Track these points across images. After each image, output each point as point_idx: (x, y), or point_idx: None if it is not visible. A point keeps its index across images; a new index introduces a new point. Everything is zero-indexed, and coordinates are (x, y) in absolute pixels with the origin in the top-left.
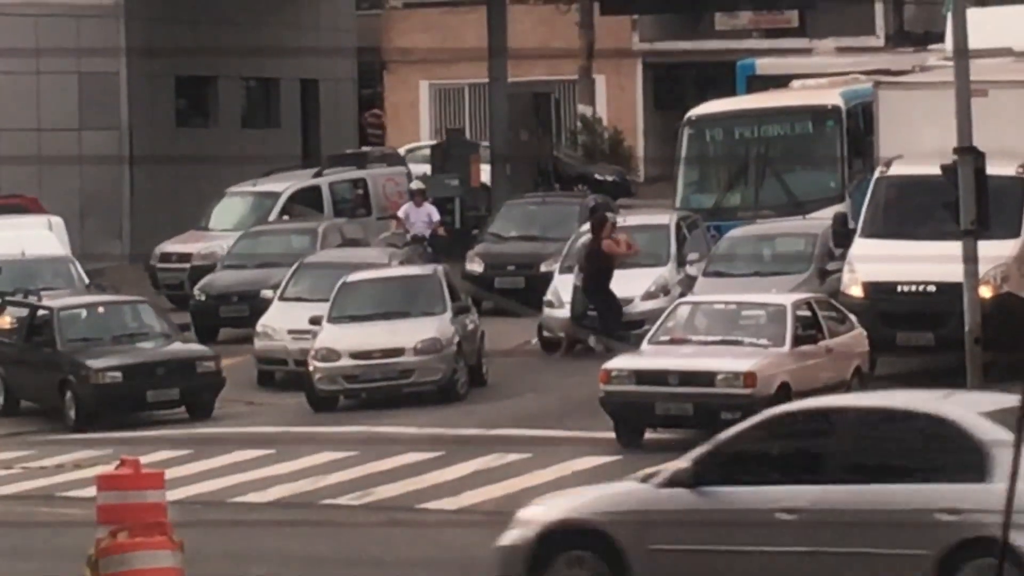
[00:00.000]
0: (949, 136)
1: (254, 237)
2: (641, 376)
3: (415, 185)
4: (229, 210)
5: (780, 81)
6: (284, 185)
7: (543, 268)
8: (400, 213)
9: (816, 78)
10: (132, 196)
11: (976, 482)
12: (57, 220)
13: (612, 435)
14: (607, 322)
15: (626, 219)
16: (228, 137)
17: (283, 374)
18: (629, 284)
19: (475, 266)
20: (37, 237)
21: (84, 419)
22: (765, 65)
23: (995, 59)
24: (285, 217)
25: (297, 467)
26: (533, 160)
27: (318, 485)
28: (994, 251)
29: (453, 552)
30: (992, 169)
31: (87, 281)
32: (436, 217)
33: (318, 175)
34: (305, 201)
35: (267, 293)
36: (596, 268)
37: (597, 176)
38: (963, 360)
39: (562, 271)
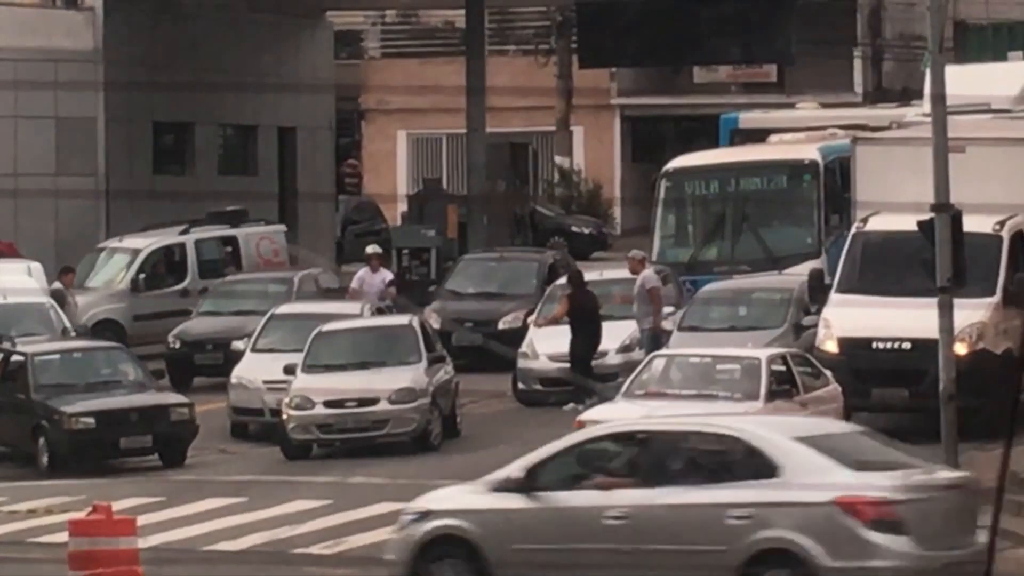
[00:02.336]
0: (926, 192)
1: (230, 285)
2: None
3: (371, 249)
4: (96, 265)
5: (763, 135)
6: (147, 242)
7: (501, 325)
8: (354, 282)
9: (794, 132)
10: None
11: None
12: (36, 265)
13: None
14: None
15: (602, 273)
16: (205, 184)
17: (257, 425)
18: (604, 337)
19: (432, 323)
20: (17, 282)
21: (57, 465)
22: (748, 119)
23: (973, 116)
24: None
25: (270, 515)
26: (510, 211)
27: (291, 534)
28: (970, 308)
29: None
30: (969, 226)
31: (68, 326)
32: (390, 278)
33: (185, 232)
34: (169, 259)
35: (238, 345)
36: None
37: (574, 228)
38: (938, 417)
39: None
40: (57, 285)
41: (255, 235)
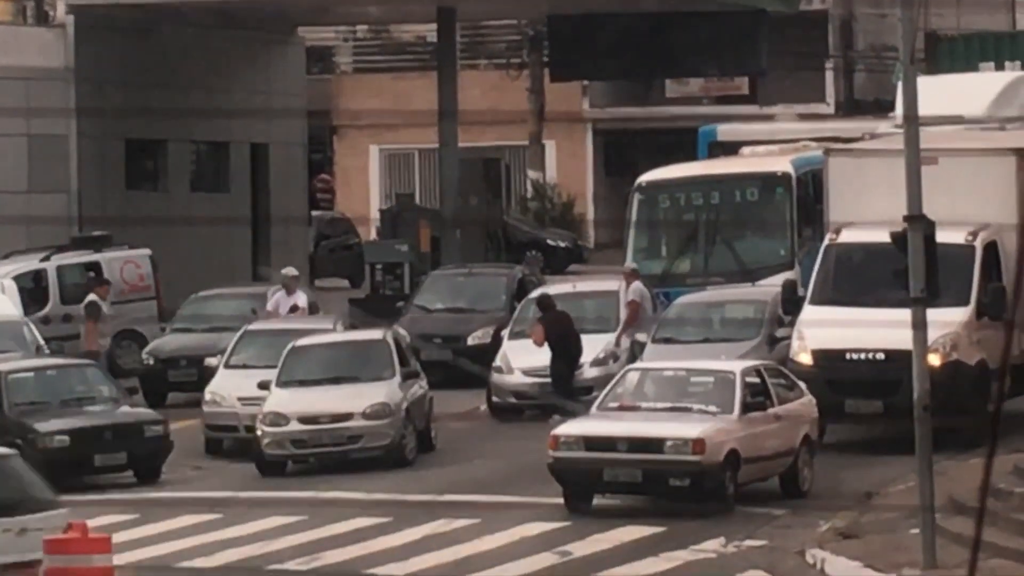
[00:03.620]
0: (899, 204)
1: (202, 301)
2: (590, 442)
3: (287, 271)
4: None
5: (742, 147)
6: (8, 268)
7: (470, 341)
8: (269, 305)
9: (767, 145)
10: None
11: None
12: (9, 283)
13: (561, 501)
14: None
15: (575, 286)
16: (177, 200)
17: (231, 441)
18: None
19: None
20: None
21: None
22: (726, 131)
23: (945, 127)
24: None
25: (245, 532)
26: (483, 225)
27: (266, 550)
28: (943, 319)
29: None
30: (942, 237)
31: (42, 343)
32: (301, 303)
33: (46, 259)
34: (35, 284)
35: (211, 361)
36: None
37: (550, 242)
38: (912, 429)
39: (511, 337)
40: (92, 297)
41: (119, 260)
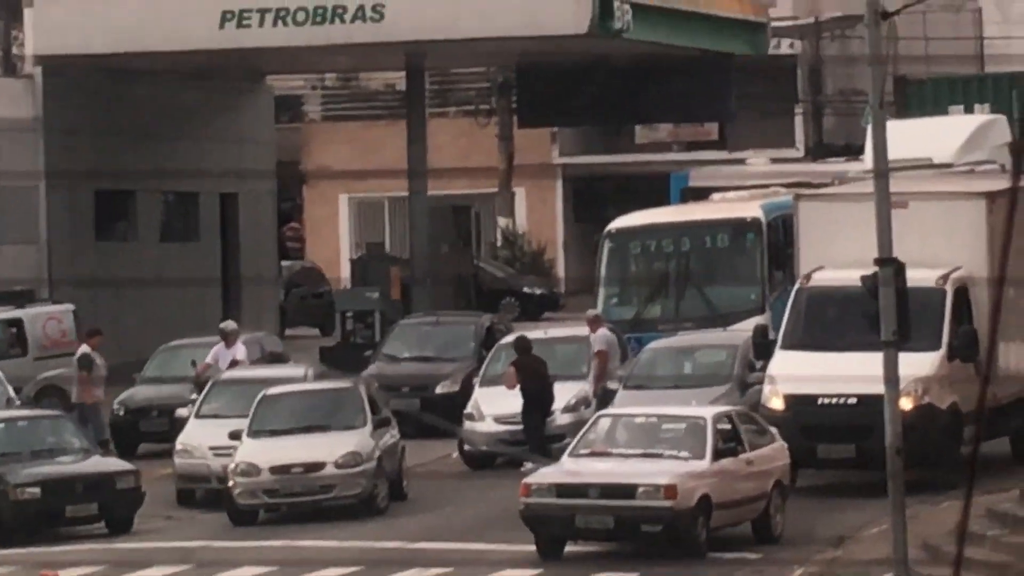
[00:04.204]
0: (870, 247)
1: (171, 351)
2: (562, 489)
3: (225, 325)
4: None
5: (715, 192)
6: None
7: (439, 389)
8: (209, 358)
9: (737, 191)
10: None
11: None
12: None
13: (533, 548)
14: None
15: (547, 332)
16: (148, 251)
17: (203, 491)
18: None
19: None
20: None
21: (2, 534)
22: (698, 176)
23: (915, 170)
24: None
25: None
26: (454, 273)
27: None
28: (915, 363)
29: None
30: (913, 280)
31: (12, 395)
32: (240, 356)
33: None
34: None
35: (182, 412)
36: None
37: (525, 289)
38: (885, 473)
39: (483, 384)
40: (84, 349)
41: (42, 315)
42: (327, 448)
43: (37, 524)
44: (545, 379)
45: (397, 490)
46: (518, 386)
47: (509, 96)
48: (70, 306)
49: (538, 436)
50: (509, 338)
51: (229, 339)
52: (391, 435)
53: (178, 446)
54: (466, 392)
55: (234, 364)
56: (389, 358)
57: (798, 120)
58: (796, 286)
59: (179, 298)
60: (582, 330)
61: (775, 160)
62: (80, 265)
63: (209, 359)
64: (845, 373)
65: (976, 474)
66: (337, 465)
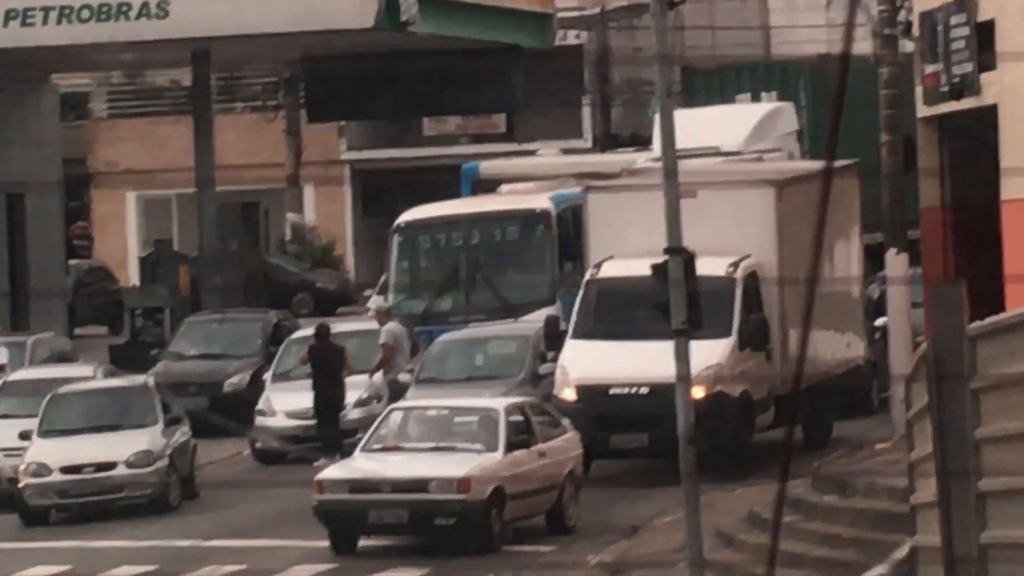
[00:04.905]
0: (659, 238)
1: None
2: (354, 485)
3: None
4: None
5: (505, 184)
6: None
7: (226, 387)
8: None
9: (526, 182)
10: None
11: None
12: None
13: (327, 543)
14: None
15: (339, 326)
16: None
17: None
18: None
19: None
20: None
21: None
22: (489, 168)
23: (703, 159)
24: None
25: None
26: (243, 269)
27: None
28: (706, 351)
29: None
30: (703, 269)
31: None
32: (2, 360)
33: None
34: None
35: None
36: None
37: (319, 284)
38: (677, 461)
39: (274, 380)
40: None
41: None
42: (118, 447)
43: None
44: (339, 368)
45: (189, 488)
46: (311, 382)
47: (296, 91)
48: None
49: (331, 431)
50: (299, 333)
51: None
52: (182, 433)
53: None
54: (254, 389)
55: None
56: (176, 356)
57: (586, 111)
58: (586, 277)
59: None
60: (371, 324)
61: (565, 151)
62: None
63: None
64: (636, 363)
65: (769, 461)
66: (128, 464)
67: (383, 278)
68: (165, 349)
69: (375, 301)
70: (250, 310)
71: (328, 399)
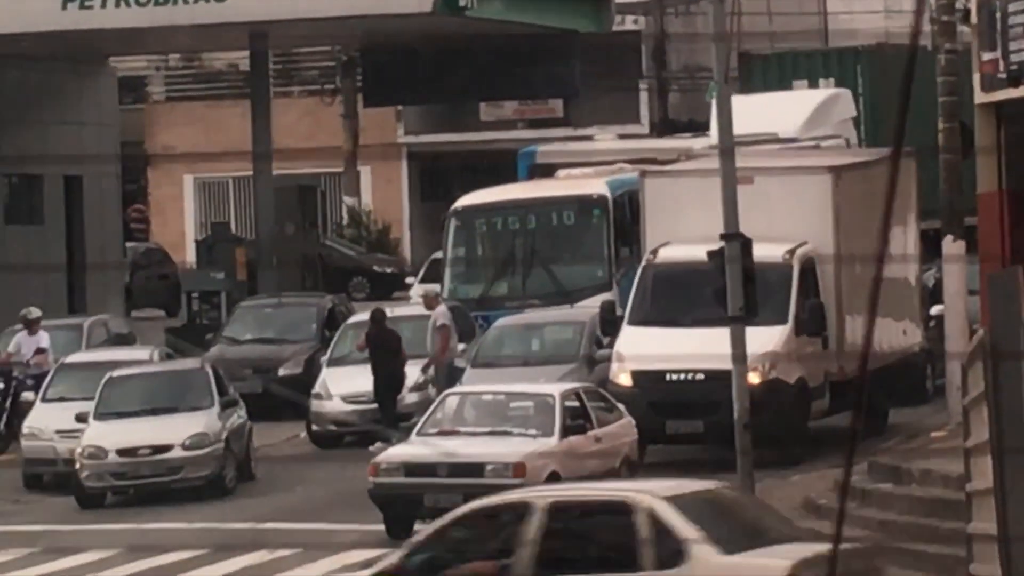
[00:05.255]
0: (716, 223)
1: (13, 335)
2: (410, 468)
3: (27, 312)
4: None
5: (562, 169)
6: None
7: (281, 372)
8: (11, 345)
9: (582, 167)
10: None
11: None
12: None
13: (382, 527)
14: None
15: (393, 310)
16: None
17: (51, 475)
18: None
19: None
20: None
21: None
22: (545, 152)
23: (760, 145)
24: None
25: (63, 566)
26: (300, 253)
27: None
28: (762, 337)
29: None
30: (759, 255)
31: None
32: (44, 344)
33: None
34: None
35: (28, 396)
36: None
37: (376, 268)
38: (733, 448)
39: (330, 364)
40: None
41: None
42: (174, 430)
43: None
44: (398, 354)
45: (245, 471)
46: (369, 367)
47: (354, 75)
48: None
49: (391, 412)
50: (356, 317)
51: (32, 327)
52: (238, 415)
53: (25, 429)
54: (309, 374)
55: (39, 352)
56: (230, 340)
57: (643, 96)
58: (643, 262)
59: (23, 281)
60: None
61: (621, 136)
62: None
63: (11, 347)
64: (692, 349)
65: (824, 448)
66: (184, 447)
67: (423, 266)
68: (219, 333)
69: (418, 289)
70: (304, 295)
71: (387, 384)
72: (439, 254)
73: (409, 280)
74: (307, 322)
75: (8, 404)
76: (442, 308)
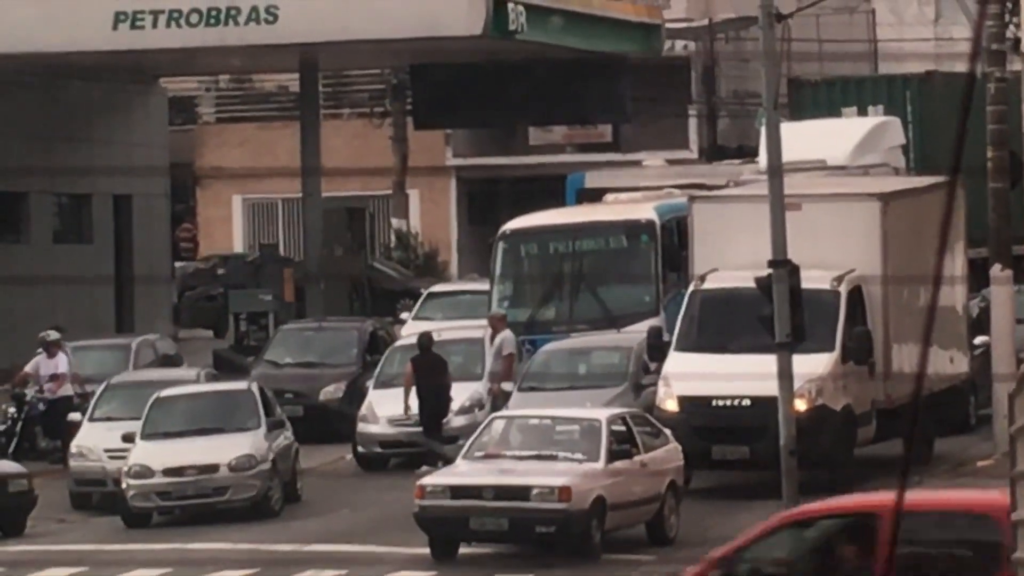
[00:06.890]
0: (764, 250)
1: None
2: (456, 491)
3: (46, 334)
4: None
5: (610, 193)
6: None
7: (322, 396)
8: (29, 366)
9: (631, 192)
10: None
11: None
12: None
13: (427, 550)
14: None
15: (441, 334)
16: (40, 253)
17: (99, 495)
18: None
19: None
20: None
21: None
22: (594, 178)
23: (809, 172)
24: None
25: None
26: (348, 275)
27: None
28: (809, 364)
29: None
30: (807, 282)
31: None
32: (62, 369)
33: None
34: None
35: (75, 416)
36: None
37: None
38: (779, 474)
39: (377, 386)
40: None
41: None
42: (221, 450)
43: None
44: (443, 377)
45: (291, 492)
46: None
47: (403, 97)
48: None
49: (437, 437)
50: (402, 341)
51: (50, 349)
52: (285, 436)
53: (73, 449)
54: (351, 399)
55: (55, 378)
56: (271, 364)
57: (692, 122)
58: (690, 288)
59: (72, 300)
60: (476, 332)
61: (670, 162)
62: None
63: (29, 368)
64: (739, 374)
65: (871, 475)
66: (231, 467)
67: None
68: (260, 356)
69: (411, 326)
70: (346, 319)
71: (433, 409)
72: (436, 287)
73: (404, 316)
74: (348, 346)
75: (19, 429)
76: (508, 333)
